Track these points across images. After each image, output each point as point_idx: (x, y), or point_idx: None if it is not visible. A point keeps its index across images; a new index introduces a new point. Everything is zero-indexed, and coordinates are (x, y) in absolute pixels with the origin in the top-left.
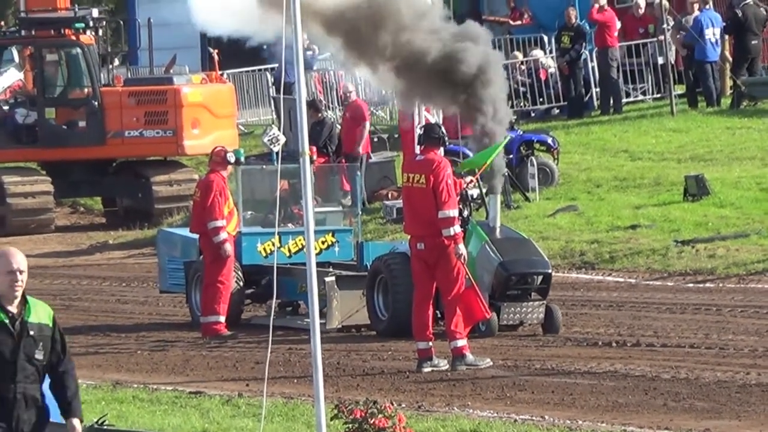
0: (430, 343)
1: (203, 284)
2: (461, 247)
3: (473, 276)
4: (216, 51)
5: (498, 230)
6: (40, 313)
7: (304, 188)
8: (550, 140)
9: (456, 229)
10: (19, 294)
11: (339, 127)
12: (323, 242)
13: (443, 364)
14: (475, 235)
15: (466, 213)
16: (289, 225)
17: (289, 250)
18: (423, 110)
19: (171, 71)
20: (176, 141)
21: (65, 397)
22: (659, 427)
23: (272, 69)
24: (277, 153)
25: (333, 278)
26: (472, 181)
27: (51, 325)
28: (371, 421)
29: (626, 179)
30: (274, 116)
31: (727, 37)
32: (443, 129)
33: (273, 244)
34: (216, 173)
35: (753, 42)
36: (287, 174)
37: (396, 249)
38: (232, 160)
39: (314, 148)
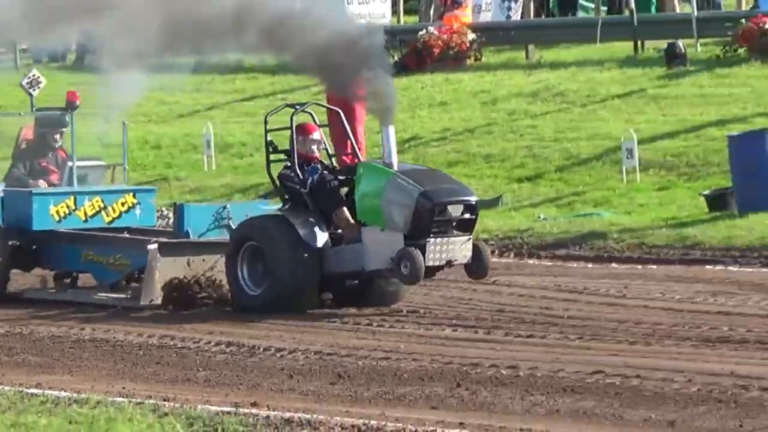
0: None
1: None
2: None
3: (380, 220)
4: None
5: (397, 165)
6: None
7: None
8: None
9: None
10: None
11: None
12: (123, 204)
13: None
14: (373, 174)
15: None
16: (40, 182)
17: (85, 213)
18: None
19: None
20: None
21: None
22: None
23: None
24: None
25: (156, 246)
26: None
27: None
28: None
29: None
30: None
31: None
32: None
33: (67, 207)
34: None
35: None
36: (38, 122)
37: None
38: None
39: None
